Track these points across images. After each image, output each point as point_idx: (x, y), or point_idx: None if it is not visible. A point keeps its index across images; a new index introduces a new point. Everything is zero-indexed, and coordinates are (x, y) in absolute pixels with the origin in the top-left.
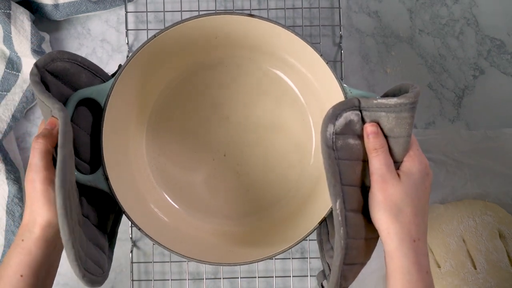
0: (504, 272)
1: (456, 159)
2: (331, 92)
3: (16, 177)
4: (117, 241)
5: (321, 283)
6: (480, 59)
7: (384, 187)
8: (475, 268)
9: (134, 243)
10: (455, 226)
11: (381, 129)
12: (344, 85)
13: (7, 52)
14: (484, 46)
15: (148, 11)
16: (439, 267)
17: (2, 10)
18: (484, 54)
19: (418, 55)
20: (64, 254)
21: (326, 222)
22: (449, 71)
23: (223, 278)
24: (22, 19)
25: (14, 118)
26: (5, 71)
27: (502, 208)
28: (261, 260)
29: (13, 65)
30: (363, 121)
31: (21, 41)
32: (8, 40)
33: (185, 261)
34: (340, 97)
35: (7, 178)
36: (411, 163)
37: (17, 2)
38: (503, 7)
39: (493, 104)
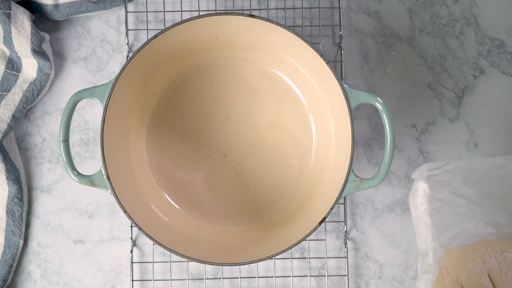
0: None
1: (464, 195)
2: (331, 92)
3: (16, 177)
4: (117, 241)
5: None
6: (480, 59)
7: None
8: None
9: (134, 243)
10: (481, 266)
11: None
12: (344, 85)
13: (7, 52)
14: (484, 46)
15: (148, 11)
16: None
17: (2, 10)
18: (484, 54)
19: (418, 55)
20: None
21: None
22: (449, 71)
23: (223, 278)
24: (22, 19)
25: (14, 118)
26: (5, 71)
27: None
28: (261, 260)
29: (13, 65)
30: None
31: (21, 41)
32: (8, 40)
33: (185, 261)
34: (340, 97)
35: (7, 178)
36: None
37: (17, 2)
38: (503, 7)
39: (493, 104)
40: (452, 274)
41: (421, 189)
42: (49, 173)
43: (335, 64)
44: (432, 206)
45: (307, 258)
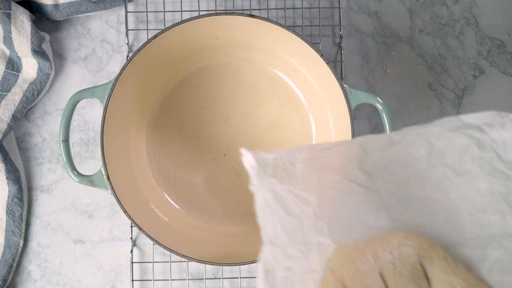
0: None
1: (362, 182)
2: (331, 92)
3: (16, 177)
4: (117, 241)
5: None
6: (480, 59)
7: None
8: None
9: (134, 243)
10: (372, 264)
11: None
12: (344, 85)
13: (7, 52)
14: (484, 46)
15: (148, 11)
16: None
17: (2, 10)
18: (484, 54)
19: (418, 55)
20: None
21: None
22: (449, 71)
23: (223, 278)
24: (22, 19)
25: (14, 118)
26: (5, 71)
27: (426, 238)
28: None
29: (13, 65)
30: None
31: (21, 41)
32: (8, 40)
33: (185, 261)
34: (340, 97)
35: (7, 178)
36: None
37: (17, 2)
38: (503, 7)
39: (493, 104)
40: (336, 274)
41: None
42: (49, 173)
43: (335, 64)
44: (321, 196)
45: None
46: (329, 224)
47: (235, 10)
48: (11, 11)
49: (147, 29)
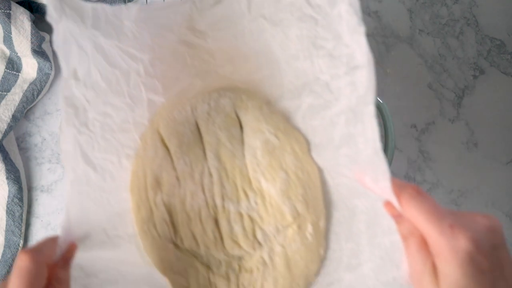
0: (238, 161)
1: (195, 42)
2: None
3: (16, 177)
4: None
5: None
6: (480, 59)
7: None
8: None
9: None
10: (189, 113)
11: None
12: None
13: (7, 52)
14: (484, 46)
15: None
16: (175, 169)
17: (2, 10)
18: (484, 54)
19: (418, 55)
20: None
21: None
22: (449, 71)
23: None
24: (22, 19)
25: (14, 118)
26: (5, 71)
27: (251, 91)
28: None
29: (13, 65)
30: None
31: (21, 41)
32: (8, 40)
33: None
34: None
35: (7, 178)
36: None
37: (17, 2)
38: (503, 7)
39: (493, 104)
40: (154, 124)
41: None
42: (49, 173)
43: None
44: (154, 55)
45: None
46: (162, 83)
47: None
48: (11, 11)
49: None
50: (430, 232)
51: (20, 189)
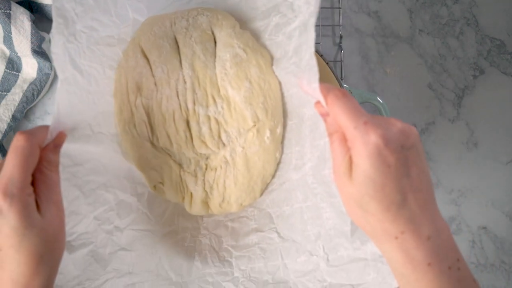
0: (209, 71)
1: None
2: None
3: None
4: None
5: None
6: (480, 59)
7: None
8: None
9: None
10: (168, 28)
11: None
12: (344, 85)
13: (7, 52)
14: (484, 46)
15: None
16: (154, 76)
17: (2, 10)
18: (484, 54)
19: (418, 55)
20: None
21: None
22: (449, 71)
23: None
24: (22, 19)
25: (14, 118)
26: (5, 71)
27: (226, 12)
28: None
29: (13, 65)
30: None
31: (21, 41)
32: (8, 40)
33: None
34: None
35: None
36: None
37: (17, 2)
38: (503, 7)
39: (493, 104)
40: (135, 39)
41: None
42: None
43: (335, 64)
44: None
45: None
46: (147, 6)
47: None
48: (11, 11)
49: None
50: (347, 127)
51: None
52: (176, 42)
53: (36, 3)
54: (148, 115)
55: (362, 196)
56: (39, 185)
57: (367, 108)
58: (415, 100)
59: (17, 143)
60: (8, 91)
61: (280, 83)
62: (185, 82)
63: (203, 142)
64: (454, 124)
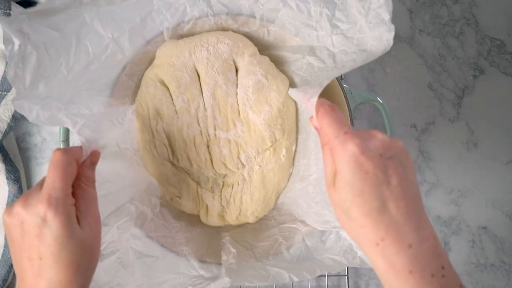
0: (230, 99)
1: None
2: (331, 92)
3: (16, 177)
4: None
5: None
6: (480, 59)
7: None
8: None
9: None
10: (187, 58)
11: None
12: (344, 85)
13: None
14: (484, 46)
15: None
16: (174, 105)
17: (2, 10)
18: (484, 54)
19: (418, 55)
20: None
21: None
22: (449, 71)
23: None
24: None
25: (14, 118)
26: (5, 71)
27: (246, 38)
28: None
29: None
30: None
31: None
32: None
33: None
34: (340, 97)
35: (7, 178)
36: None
37: (17, 2)
38: (503, 7)
39: (493, 104)
40: (153, 67)
41: None
42: None
43: None
44: None
45: None
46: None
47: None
48: (11, 11)
49: None
50: (331, 136)
51: (20, 189)
52: (196, 71)
53: (36, 3)
54: (169, 138)
55: (344, 202)
56: (79, 199)
57: (367, 108)
58: (415, 100)
59: (55, 158)
60: (8, 91)
61: (296, 102)
62: (205, 110)
63: (223, 164)
64: (454, 124)
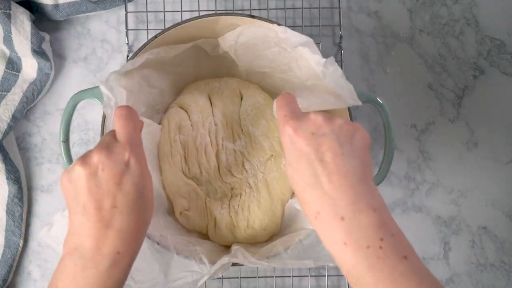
0: (235, 116)
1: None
2: None
3: (16, 177)
4: None
5: None
6: (480, 59)
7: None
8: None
9: None
10: (203, 88)
11: None
12: None
13: (7, 52)
14: (484, 46)
15: (148, 11)
16: (191, 120)
17: (2, 10)
18: (484, 54)
19: (418, 55)
20: None
21: None
22: (449, 71)
23: (223, 278)
24: (22, 19)
25: (14, 118)
26: (5, 71)
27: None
28: None
29: (13, 65)
30: None
31: (21, 41)
32: (8, 40)
33: None
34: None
35: (7, 178)
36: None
37: (17, 2)
38: (503, 7)
39: (493, 104)
40: (177, 101)
41: None
42: (49, 173)
43: None
44: None
45: None
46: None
47: (235, 10)
48: (11, 11)
49: (147, 29)
50: (278, 122)
51: (20, 189)
52: (209, 98)
53: (36, 3)
54: (183, 148)
55: (289, 180)
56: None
57: (367, 108)
58: (415, 100)
59: (123, 112)
60: (8, 91)
61: None
62: (216, 125)
63: (229, 171)
64: (454, 124)
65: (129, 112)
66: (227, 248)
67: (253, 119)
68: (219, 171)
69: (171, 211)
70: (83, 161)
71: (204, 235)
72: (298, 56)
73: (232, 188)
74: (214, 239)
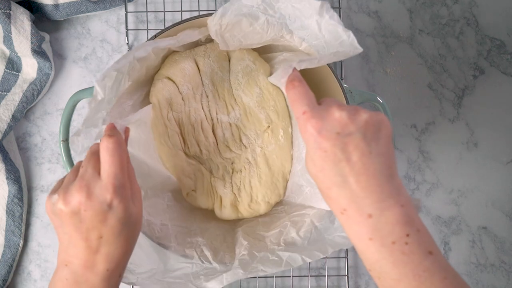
0: (226, 84)
1: None
2: (331, 92)
3: (16, 177)
4: None
5: None
6: (480, 59)
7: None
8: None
9: None
10: (188, 53)
11: None
12: (344, 85)
13: (7, 52)
14: (484, 46)
15: (148, 11)
16: (181, 93)
17: (2, 10)
18: (484, 54)
19: (418, 55)
20: None
21: None
22: (449, 71)
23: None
24: (22, 19)
25: (14, 118)
26: (5, 71)
27: None
28: None
29: (13, 65)
30: None
31: (21, 41)
32: (8, 40)
33: None
34: (341, 97)
35: (7, 178)
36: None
37: (17, 2)
38: (503, 7)
39: (493, 104)
40: (160, 73)
41: None
42: (49, 173)
43: (335, 64)
44: None
45: None
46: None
47: None
48: (11, 11)
49: (147, 29)
50: (296, 115)
51: (20, 189)
52: (196, 64)
53: (36, 3)
54: (179, 126)
55: (311, 174)
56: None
57: (367, 108)
58: (415, 100)
59: (109, 145)
60: (8, 91)
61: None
62: (207, 96)
63: (227, 147)
64: (454, 124)
65: (117, 146)
66: (231, 228)
67: (245, 88)
68: (217, 146)
69: (178, 190)
70: (64, 199)
71: (210, 212)
72: (287, 20)
73: (232, 163)
74: (220, 216)
